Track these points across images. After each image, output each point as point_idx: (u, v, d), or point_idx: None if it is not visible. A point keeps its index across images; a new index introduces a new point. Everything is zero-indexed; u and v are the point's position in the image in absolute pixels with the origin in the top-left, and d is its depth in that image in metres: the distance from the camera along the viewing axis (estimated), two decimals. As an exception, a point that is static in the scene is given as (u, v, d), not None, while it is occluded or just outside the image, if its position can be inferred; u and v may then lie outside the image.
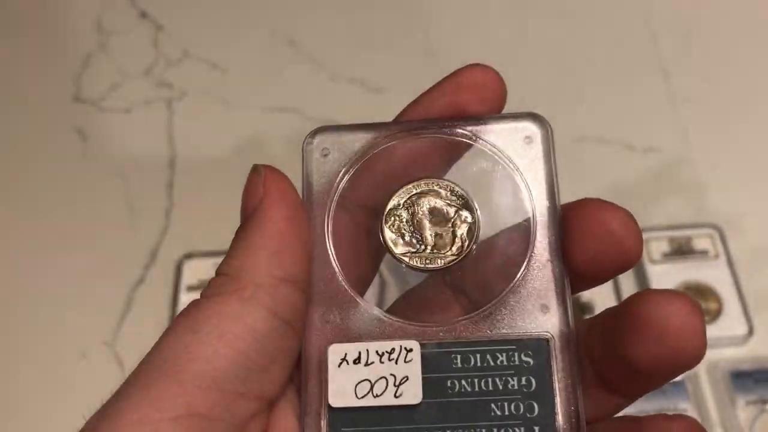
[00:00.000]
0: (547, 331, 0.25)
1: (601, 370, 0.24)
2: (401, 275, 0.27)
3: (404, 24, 0.71)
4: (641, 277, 0.56)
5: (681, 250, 0.57)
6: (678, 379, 0.52)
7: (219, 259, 0.58)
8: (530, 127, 0.27)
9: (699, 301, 0.54)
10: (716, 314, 0.54)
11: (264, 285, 0.24)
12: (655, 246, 0.57)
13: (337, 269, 0.26)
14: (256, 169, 0.25)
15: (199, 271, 0.56)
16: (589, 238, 0.24)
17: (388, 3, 0.72)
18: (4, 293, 0.57)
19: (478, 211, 0.27)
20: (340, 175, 0.27)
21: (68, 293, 0.57)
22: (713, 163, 0.62)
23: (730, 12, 0.70)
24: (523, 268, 0.26)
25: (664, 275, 0.56)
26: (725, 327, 0.54)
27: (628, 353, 0.22)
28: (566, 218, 0.25)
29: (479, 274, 0.27)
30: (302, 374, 0.25)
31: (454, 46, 0.69)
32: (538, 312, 0.25)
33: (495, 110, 0.27)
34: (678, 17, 0.71)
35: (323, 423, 0.24)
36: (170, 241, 0.59)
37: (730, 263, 0.56)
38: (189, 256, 0.57)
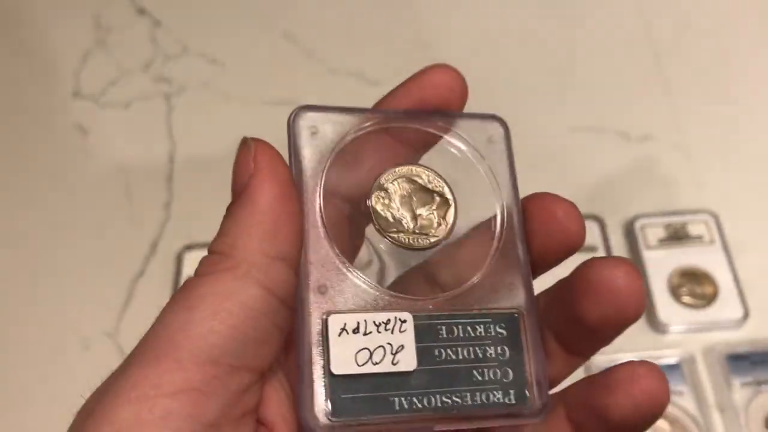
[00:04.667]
0: (515, 307, 0.28)
1: (559, 335, 0.28)
2: (386, 253, 0.28)
3: (401, 17, 0.71)
4: (637, 263, 0.57)
5: (677, 236, 0.57)
6: (674, 362, 0.53)
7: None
8: (493, 128, 0.30)
9: (695, 286, 0.55)
10: (712, 298, 0.55)
11: (257, 263, 0.24)
12: (651, 232, 0.58)
13: (330, 243, 0.26)
14: (245, 142, 0.25)
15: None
16: (541, 226, 0.27)
17: (384, -4, 0.73)
18: (7, 286, 0.58)
19: (455, 198, 0.29)
20: (329, 154, 0.27)
21: (70, 285, 0.58)
22: (707, 150, 0.63)
23: (723, 0, 0.71)
24: (493, 251, 0.28)
25: (660, 261, 0.56)
26: (721, 311, 0.55)
27: (581, 314, 0.26)
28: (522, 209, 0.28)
29: (457, 256, 0.29)
30: (300, 346, 0.25)
31: (449, 37, 0.69)
32: (507, 290, 0.28)
33: (456, 108, 0.28)
34: (671, 5, 0.71)
35: (324, 390, 0.25)
36: (170, 233, 0.59)
37: (726, 248, 0.57)
38: (189, 247, 0.58)
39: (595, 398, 0.26)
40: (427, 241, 0.28)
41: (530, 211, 0.28)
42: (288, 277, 0.24)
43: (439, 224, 0.28)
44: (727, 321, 0.54)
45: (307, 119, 0.28)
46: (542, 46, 0.69)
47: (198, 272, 0.24)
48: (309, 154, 0.27)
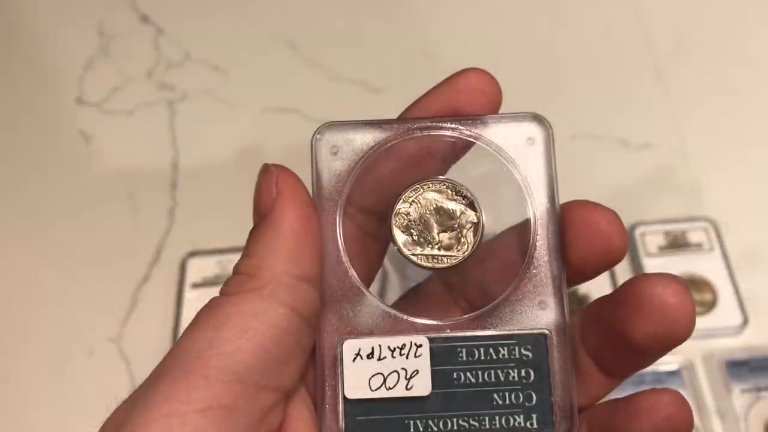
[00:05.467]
0: (545, 327, 0.27)
1: (598, 355, 0.26)
2: (407, 273, 0.29)
3: (403, 25, 0.72)
4: (637, 271, 0.57)
5: (676, 244, 0.58)
6: (674, 368, 0.53)
7: (222, 257, 0.58)
8: (532, 128, 0.28)
9: (695, 293, 0.55)
10: (711, 305, 0.55)
11: (283, 283, 0.24)
12: (651, 240, 0.58)
13: (348, 266, 0.27)
14: (267, 169, 0.26)
15: (203, 268, 0.57)
16: (580, 237, 0.26)
17: (386, 4, 0.73)
18: (12, 293, 0.58)
19: (482, 212, 0.28)
20: (350, 174, 0.27)
21: (75, 292, 0.58)
22: (707, 158, 0.63)
23: (722, 8, 0.71)
24: (522, 268, 0.27)
25: (660, 268, 0.56)
26: (720, 318, 0.55)
27: (627, 332, 0.24)
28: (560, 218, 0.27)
29: (482, 273, 0.28)
30: (317, 368, 0.26)
31: (451, 46, 0.70)
32: (537, 309, 0.27)
33: (490, 113, 0.27)
34: (670, 13, 0.72)
35: (339, 413, 0.26)
36: (174, 239, 0.60)
37: (725, 256, 0.57)
38: (193, 254, 0.58)
39: (618, 423, 0.25)
40: (450, 261, 0.27)
41: (569, 220, 0.26)
42: (312, 297, 0.25)
43: (463, 242, 0.27)
44: (726, 328, 0.55)
45: (328, 139, 0.28)
46: (542, 53, 0.69)
47: (223, 292, 0.25)
48: (328, 176, 0.27)
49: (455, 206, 0.28)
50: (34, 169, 0.65)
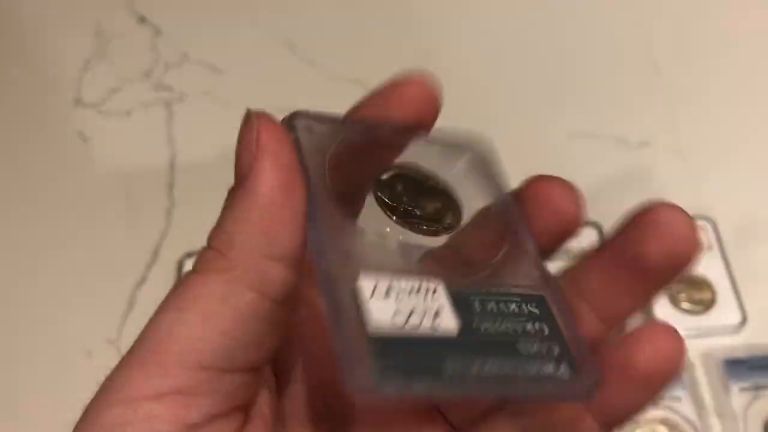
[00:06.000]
0: (539, 292, 0.26)
1: (598, 298, 0.27)
2: (400, 244, 0.28)
3: (402, 25, 0.72)
4: (636, 269, 0.57)
5: (674, 242, 0.58)
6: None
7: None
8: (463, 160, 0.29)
9: (693, 292, 0.55)
10: (710, 304, 0.55)
11: (253, 265, 0.23)
12: (649, 238, 0.58)
13: (343, 214, 0.25)
14: (248, 118, 0.24)
15: (201, 269, 0.57)
16: (536, 211, 0.27)
17: (385, 4, 0.73)
18: (9, 294, 0.58)
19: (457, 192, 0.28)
20: (330, 148, 0.26)
21: (72, 293, 0.58)
22: (706, 157, 0.63)
23: (720, 7, 0.71)
24: (504, 248, 0.27)
25: (659, 267, 0.56)
26: (719, 316, 0.55)
27: (642, 252, 0.25)
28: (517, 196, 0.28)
29: (470, 243, 0.28)
30: (328, 318, 0.23)
31: (449, 45, 0.70)
32: (526, 277, 0.27)
33: (428, 118, 0.27)
34: (669, 12, 0.71)
35: (364, 354, 0.22)
36: (171, 240, 0.60)
37: (723, 254, 0.57)
38: (190, 254, 0.58)
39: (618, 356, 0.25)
40: (441, 226, 0.27)
41: (526, 197, 0.27)
42: (285, 278, 0.23)
43: (449, 215, 0.28)
44: (725, 326, 0.55)
45: (303, 121, 0.26)
46: (541, 52, 0.69)
47: (194, 268, 0.24)
48: (310, 147, 0.25)
49: (435, 185, 0.28)
50: (32, 170, 0.65)
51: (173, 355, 0.22)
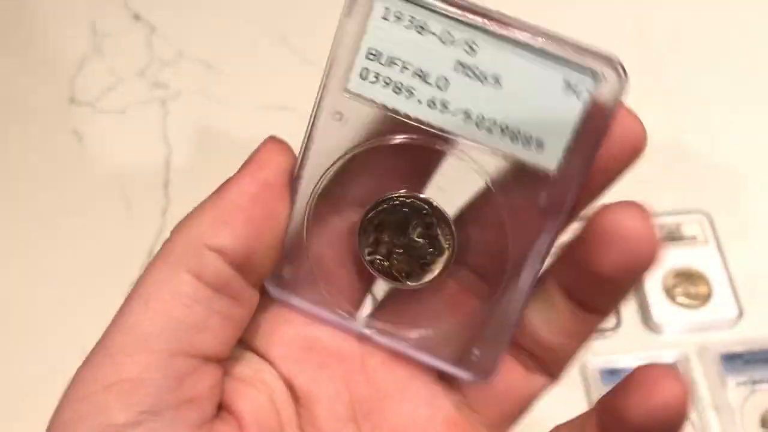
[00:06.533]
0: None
1: (573, 290, 0.26)
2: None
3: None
4: (632, 264, 0.57)
5: (671, 236, 0.58)
6: (670, 361, 0.53)
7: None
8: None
9: (690, 286, 0.55)
10: (706, 298, 0.55)
11: (190, 250, 0.24)
12: (646, 233, 0.58)
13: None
14: (265, 140, 0.26)
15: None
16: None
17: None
18: (3, 293, 0.58)
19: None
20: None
21: (67, 292, 0.58)
22: (702, 151, 0.63)
23: (719, 4, 0.71)
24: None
25: (655, 261, 0.56)
26: (715, 311, 0.55)
27: (595, 265, 0.24)
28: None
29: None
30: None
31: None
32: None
33: None
34: (666, 7, 0.71)
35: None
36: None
37: (720, 248, 0.57)
38: (186, 253, 0.58)
39: (616, 400, 0.24)
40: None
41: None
42: (224, 272, 0.24)
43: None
44: (721, 321, 0.55)
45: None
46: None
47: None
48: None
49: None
50: (25, 169, 0.64)
51: (116, 343, 0.23)
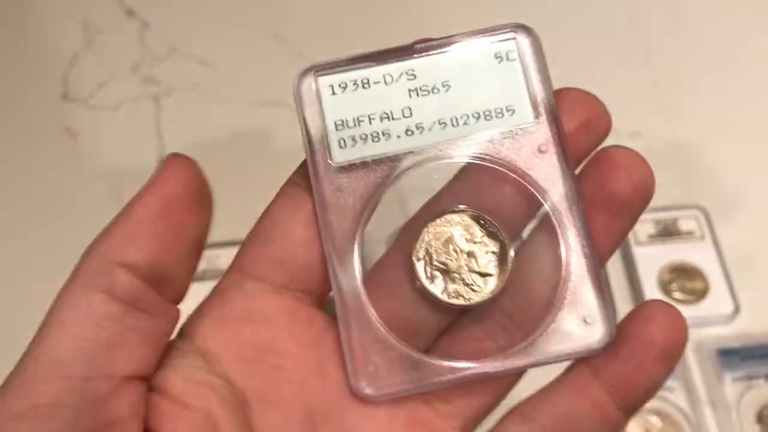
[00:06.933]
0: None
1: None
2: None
3: (391, 17, 0.71)
4: (628, 260, 0.57)
5: (667, 232, 0.58)
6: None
7: (209, 252, 0.58)
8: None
9: (685, 281, 0.55)
10: (703, 294, 0.55)
11: (99, 269, 0.23)
12: (641, 228, 0.58)
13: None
14: (167, 156, 0.26)
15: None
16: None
17: (372, -5, 0.73)
18: (-3, 291, 0.58)
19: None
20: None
21: (59, 287, 0.57)
22: (697, 146, 0.63)
23: (711, -4, 0.71)
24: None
25: (651, 257, 0.56)
26: (712, 306, 0.55)
27: (611, 189, 0.26)
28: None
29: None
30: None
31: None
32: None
33: None
34: (661, 1, 0.71)
35: None
36: (160, 235, 0.59)
37: (716, 244, 0.57)
38: (179, 249, 0.58)
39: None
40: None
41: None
42: (136, 286, 0.24)
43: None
44: (717, 316, 0.54)
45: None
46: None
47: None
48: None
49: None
50: (18, 166, 0.64)
51: (30, 371, 0.22)
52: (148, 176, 0.66)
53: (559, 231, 0.26)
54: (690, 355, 0.53)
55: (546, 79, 0.28)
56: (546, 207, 0.27)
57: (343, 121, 0.27)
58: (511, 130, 0.27)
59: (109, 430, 0.23)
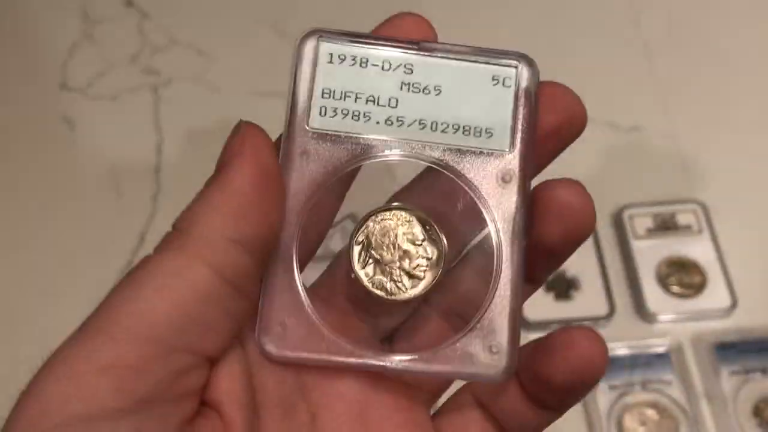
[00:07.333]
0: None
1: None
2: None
3: (391, 9, 0.71)
4: (626, 253, 0.57)
5: (665, 226, 0.58)
6: (663, 351, 0.53)
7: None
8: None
9: (683, 275, 0.55)
10: (700, 288, 0.55)
11: (211, 243, 0.23)
12: (640, 222, 0.58)
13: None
14: (237, 126, 0.25)
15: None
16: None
17: (372, -13, 0.72)
18: (-6, 280, 0.58)
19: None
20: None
21: (57, 277, 0.57)
22: (696, 140, 0.63)
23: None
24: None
25: (649, 250, 0.56)
26: (709, 300, 0.55)
27: (542, 233, 0.26)
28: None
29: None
30: None
31: (439, 28, 0.69)
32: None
33: None
34: (661, -4, 0.71)
35: None
36: (158, 225, 0.59)
37: (714, 238, 0.57)
38: (177, 239, 0.58)
39: (536, 362, 0.26)
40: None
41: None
42: (244, 264, 0.23)
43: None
44: (715, 310, 0.55)
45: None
46: (532, 37, 0.69)
47: (155, 249, 0.24)
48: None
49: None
50: (16, 155, 0.64)
51: (121, 326, 0.22)
52: (146, 165, 0.66)
53: (495, 260, 0.26)
54: (687, 348, 0.53)
55: (533, 114, 0.27)
56: (492, 234, 0.27)
57: (330, 90, 0.27)
58: (482, 151, 0.27)
59: (178, 403, 0.23)
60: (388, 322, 0.29)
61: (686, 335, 0.54)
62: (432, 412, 0.29)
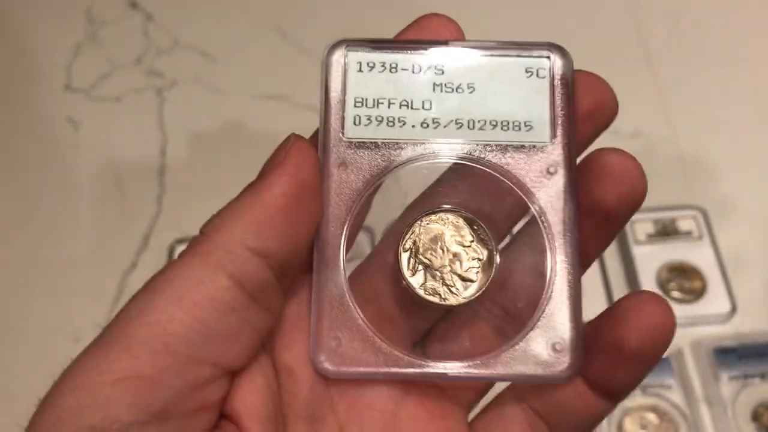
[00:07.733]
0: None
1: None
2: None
3: (393, 11, 0.71)
4: (626, 258, 0.57)
5: (665, 232, 0.58)
6: (663, 356, 0.53)
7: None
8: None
9: (683, 281, 0.55)
10: (700, 293, 0.55)
11: (233, 253, 0.22)
12: (640, 227, 0.58)
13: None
14: (288, 137, 0.25)
15: (191, 255, 0.57)
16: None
17: (376, -9, 0.73)
18: (-2, 280, 0.58)
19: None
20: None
21: (62, 278, 0.58)
22: (697, 147, 0.63)
23: (713, -2, 0.71)
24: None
25: (649, 256, 0.57)
26: (709, 305, 0.55)
27: (597, 198, 0.26)
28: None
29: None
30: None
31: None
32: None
33: None
34: (662, 1, 0.71)
35: None
36: (162, 226, 0.59)
37: (714, 244, 0.57)
38: (180, 241, 0.58)
39: (606, 330, 0.25)
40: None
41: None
42: (264, 276, 0.23)
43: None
44: (715, 315, 0.55)
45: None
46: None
47: (179, 253, 0.23)
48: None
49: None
50: (20, 157, 0.64)
51: (139, 337, 0.21)
52: (150, 167, 0.66)
53: (549, 254, 0.26)
54: (687, 353, 0.53)
55: (570, 103, 0.27)
56: (542, 228, 0.26)
57: (363, 99, 0.27)
58: (524, 145, 0.27)
59: (196, 416, 0.22)
60: (423, 324, 0.28)
61: (686, 340, 0.54)
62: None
